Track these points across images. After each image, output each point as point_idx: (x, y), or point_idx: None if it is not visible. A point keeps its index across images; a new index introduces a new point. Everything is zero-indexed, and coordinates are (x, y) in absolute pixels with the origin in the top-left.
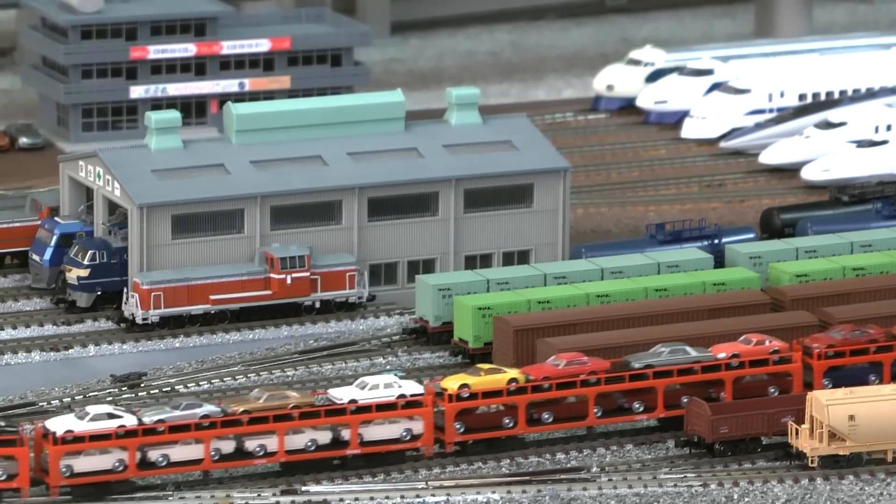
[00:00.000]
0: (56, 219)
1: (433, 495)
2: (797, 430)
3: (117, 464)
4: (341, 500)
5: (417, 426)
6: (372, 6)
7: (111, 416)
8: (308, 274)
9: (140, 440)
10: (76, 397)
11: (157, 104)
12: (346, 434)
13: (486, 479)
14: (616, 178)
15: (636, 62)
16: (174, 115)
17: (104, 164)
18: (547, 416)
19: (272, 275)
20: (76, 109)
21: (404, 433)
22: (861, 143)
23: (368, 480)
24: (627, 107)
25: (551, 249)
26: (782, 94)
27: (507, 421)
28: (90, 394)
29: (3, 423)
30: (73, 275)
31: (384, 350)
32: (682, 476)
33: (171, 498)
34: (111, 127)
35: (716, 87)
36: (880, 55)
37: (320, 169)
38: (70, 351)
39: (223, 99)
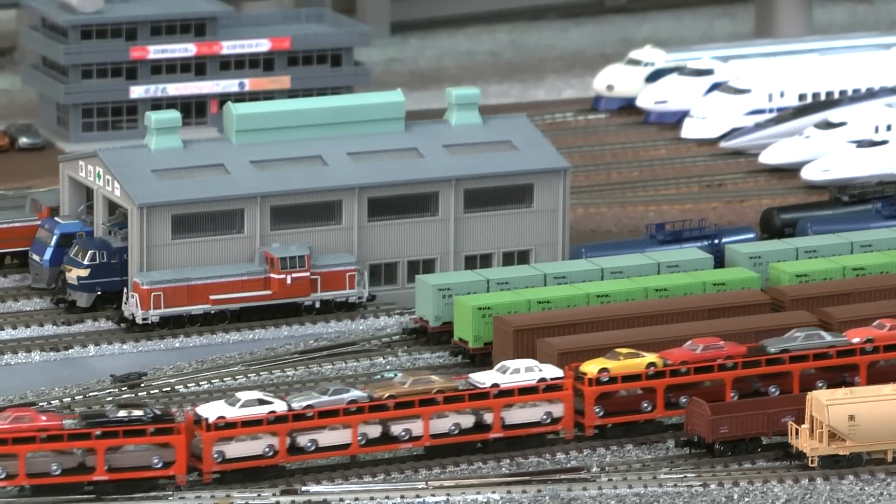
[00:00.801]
0: (56, 219)
1: (433, 495)
2: (797, 430)
3: (267, 449)
4: (341, 500)
5: (557, 409)
6: (372, 6)
7: (262, 402)
8: (308, 274)
9: (290, 426)
10: (76, 397)
11: (157, 104)
12: (488, 418)
13: (486, 479)
14: (616, 178)
15: (636, 62)
16: (174, 115)
17: (104, 164)
18: (685, 399)
19: (272, 275)
20: (76, 109)
21: (544, 416)
22: (861, 143)
23: (368, 480)
24: (627, 107)
25: (551, 249)
26: (782, 94)
27: (645, 405)
28: (90, 394)
29: (157, 411)
30: (73, 275)
31: (384, 350)
32: (682, 476)
33: (171, 498)
34: (111, 127)
35: (716, 87)
36: (880, 55)
37: (320, 169)
38: (70, 351)
39: (223, 99)
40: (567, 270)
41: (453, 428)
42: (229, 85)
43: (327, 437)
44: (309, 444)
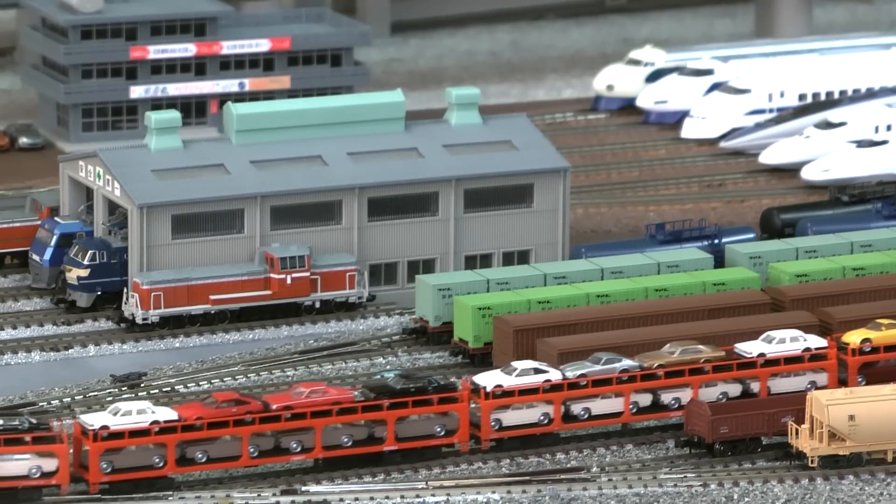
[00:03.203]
0: (56, 219)
1: (433, 495)
2: (797, 430)
3: (542, 417)
4: (341, 500)
5: (821, 378)
6: (372, 6)
7: (537, 371)
8: (308, 274)
9: (564, 394)
10: (76, 397)
11: (157, 104)
12: (755, 387)
13: (486, 479)
14: (616, 178)
15: (636, 62)
16: (174, 115)
17: (104, 164)
18: None
19: (272, 275)
20: (76, 109)
21: (809, 385)
22: (861, 143)
23: (368, 480)
24: (627, 107)
25: (551, 249)
26: (782, 94)
27: None
28: (90, 394)
29: (441, 381)
30: (73, 275)
31: (384, 350)
32: (682, 476)
33: (171, 498)
34: (111, 127)
35: (716, 87)
36: (880, 55)
37: (320, 169)
38: (70, 351)
39: (223, 99)
40: (567, 270)
41: (721, 397)
42: (229, 85)
43: (600, 406)
44: (582, 413)
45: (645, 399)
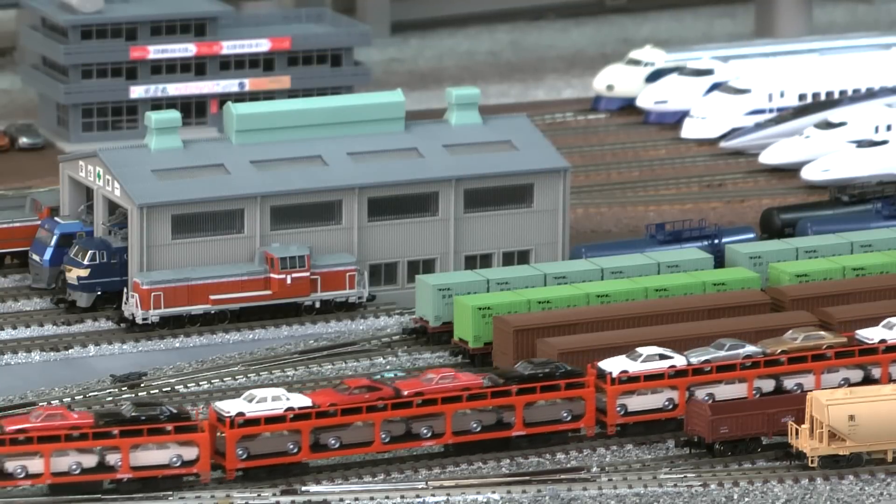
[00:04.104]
0: (56, 219)
1: (433, 495)
2: (797, 430)
3: (667, 402)
4: (341, 500)
5: None
6: (372, 6)
7: (662, 356)
8: (308, 274)
9: (689, 380)
10: (76, 397)
11: (157, 104)
12: (875, 373)
13: (486, 479)
14: (616, 178)
15: (636, 62)
16: (174, 115)
17: (104, 164)
18: None
19: (272, 275)
20: (76, 109)
21: None
22: (861, 143)
23: (368, 480)
24: (627, 107)
25: (551, 249)
26: (782, 94)
27: None
28: (90, 394)
29: (568, 367)
30: (73, 275)
31: (384, 350)
32: (682, 476)
33: (171, 498)
34: (111, 127)
35: (716, 87)
36: (880, 55)
37: (320, 169)
38: (70, 351)
39: (223, 99)
40: (567, 270)
41: (842, 382)
42: (229, 85)
43: (724, 391)
44: (706, 398)
45: (768, 385)
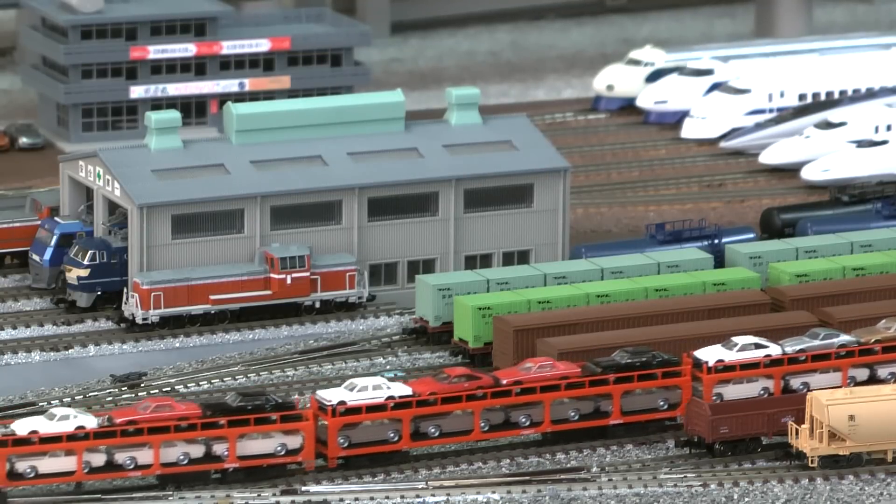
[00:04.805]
0: (56, 219)
1: (433, 495)
2: (797, 430)
3: (762, 391)
4: (341, 500)
5: None
6: (372, 6)
7: (757, 346)
8: (308, 274)
9: (784, 369)
10: (76, 397)
11: (157, 104)
12: None
13: (486, 479)
14: (616, 178)
15: (636, 62)
16: (174, 115)
17: (104, 164)
18: None
19: (272, 275)
20: (76, 109)
21: None
22: (861, 143)
23: (368, 480)
24: (627, 107)
25: (551, 249)
26: (782, 94)
27: None
28: (90, 394)
29: (665, 356)
30: (73, 275)
31: (384, 350)
32: (682, 476)
33: (171, 498)
34: (111, 127)
35: (716, 87)
36: (880, 55)
37: (320, 169)
38: (70, 351)
39: (223, 99)
40: (567, 270)
41: None
42: (229, 85)
43: (818, 380)
44: (801, 387)
45: (862, 374)
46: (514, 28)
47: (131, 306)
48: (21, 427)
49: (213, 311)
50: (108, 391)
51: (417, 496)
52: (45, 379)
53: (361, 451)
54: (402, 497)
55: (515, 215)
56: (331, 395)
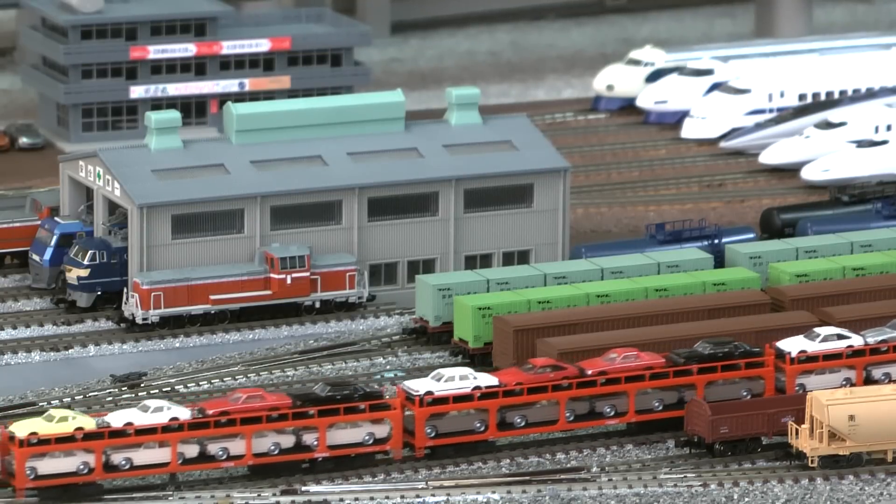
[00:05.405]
0: (56, 219)
1: (433, 495)
2: (797, 430)
3: (844, 382)
4: (341, 500)
5: None
6: (372, 6)
7: (840, 336)
8: (308, 274)
9: (866, 359)
10: (76, 397)
11: (157, 104)
12: None
13: (486, 479)
14: (616, 178)
15: (636, 62)
16: (174, 115)
17: (104, 164)
18: None
19: (272, 275)
20: (76, 109)
21: None
22: (861, 143)
23: (368, 480)
24: (627, 107)
25: (551, 249)
26: (782, 94)
27: None
28: (90, 394)
29: (745, 347)
30: (73, 275)
31: (384, 350)
32: (682, 476)
33: (171, 498)
34: (111, 127)
35: (716, 87)
36: (880, 55)
37: (320, 169)
38: (70, 351)
39: (223, 99)
40: (567, 270)
41: None
42: (229, 85)
43: None
44: (883, 377)
45: None
46: (514, 28)
47: (131, 306)
48: (116, 419)
49: (213, 311)
50: (108, 391)
51: (417, 496)
52: (45, 379)
53: (448, 440)
54: (402, 497)
55: (515, 215)
56: (418, 386)
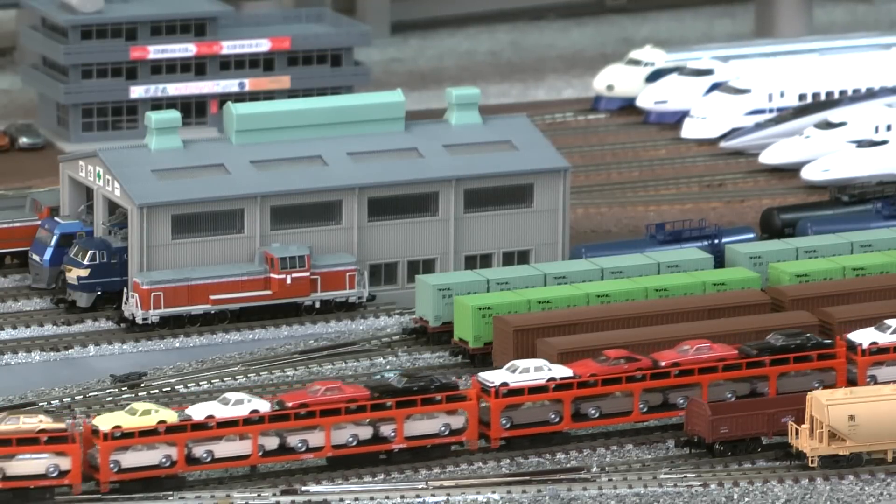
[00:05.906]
0: (56, 219)
1: (433, 495)
2: (797, 430)
3: None
4: (341, 500)
5: None
6: (372, 6)
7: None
8: (308, 274)
9: None
10: (76, 397)
11: (157, 104)
12: None
13: (486, 479)
14: (616, 178)
15: (636, 62)
16: (174, 115)
17: (104, 164)
18: None
19: (272, 275)
20: (76, 109)
21: None
22: (861, 143)
23: (368, 480)
24: (627, 107)
25: (551, 249)
26: (782, 94)
27: None
28: (90, 394)
29: (826, 340)
30: (73, 275)
31: (384, 350)
32: (682, 476)
33: (171, 498)
34: (111, 127)
35: (716, 87)
36: (880, 55)
37: (320, 169)
38: (70, 351)
39: (223, 99)
40: (567, 270)
41: None
42: (229, 85)
43: None
44: None
45: None
46: (514, 28)
47: (131, 306)
48: (197, 412)
49: (213, 311)
50: (108, 391)
51: (417, 496)
52: (45, 379)
53: (523, 431)
54: (402, 497)
55: (515, 215)
56: (493, 377)
